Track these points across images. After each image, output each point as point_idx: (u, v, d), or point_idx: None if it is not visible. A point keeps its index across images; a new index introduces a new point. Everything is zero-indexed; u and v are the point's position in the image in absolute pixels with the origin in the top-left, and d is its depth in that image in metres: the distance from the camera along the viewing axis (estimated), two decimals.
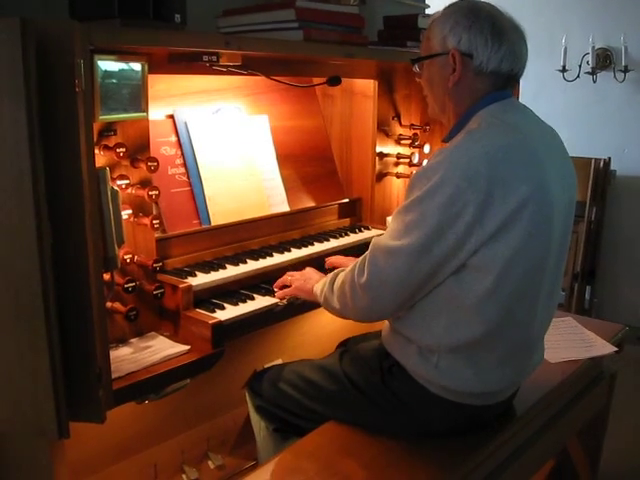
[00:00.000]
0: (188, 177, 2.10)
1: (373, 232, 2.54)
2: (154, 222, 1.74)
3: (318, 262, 2.19)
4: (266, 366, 2.12)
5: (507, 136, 1.55)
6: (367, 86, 2.58)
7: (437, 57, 1.67)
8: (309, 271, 2.02)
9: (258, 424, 2.01)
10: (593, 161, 4.44)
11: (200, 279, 1.91)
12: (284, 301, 1.97)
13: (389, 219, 1.78)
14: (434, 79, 1.71)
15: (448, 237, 1.49)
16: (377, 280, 1.60)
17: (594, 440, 2.47)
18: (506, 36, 1.60)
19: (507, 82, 1.65)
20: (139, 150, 1.75)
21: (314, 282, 1.91)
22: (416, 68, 1.77)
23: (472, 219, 1.47)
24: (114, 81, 1.61)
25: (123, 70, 1.63)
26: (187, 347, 1.77)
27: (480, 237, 1.49)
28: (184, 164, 2.10)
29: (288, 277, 2.02)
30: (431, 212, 1.49)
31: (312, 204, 2.49)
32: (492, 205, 1.47)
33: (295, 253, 2.21)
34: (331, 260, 2.20)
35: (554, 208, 1.58)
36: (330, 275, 1.84)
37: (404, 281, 1.56)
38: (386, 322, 1.80)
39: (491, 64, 1.60)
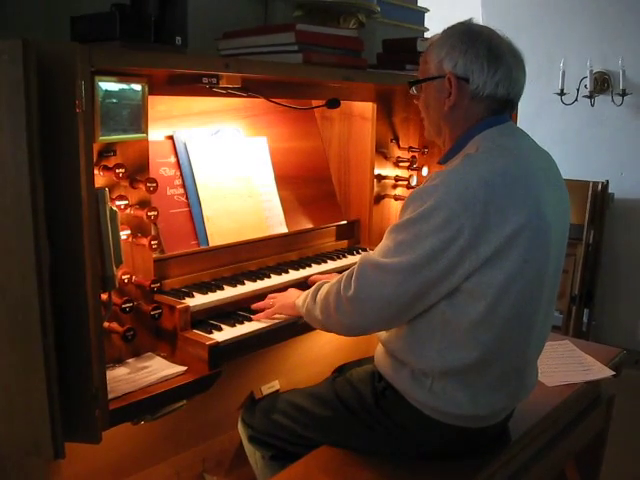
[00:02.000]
0: (187, 198, 2.11)
1: None
2: (152, 242, 1.74)
3: None
4: (262, 388, 2.11)
5: (505, 161, 1.55)
6: (366, 109, 2.60)
7: (433, 80, 1.68)
8: (290, 290, 2.02)
9: (253, 455, 1.99)
10: (591, 184, 4.45)
11: (198, 300, 1.90)
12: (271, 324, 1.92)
13: None
14: (430, 102, 1.72)
15: (440, 260, 1.49)
16: (364, 294, 1.59)
17: (592, 464, 2.46)
18: (503, 61, 1.60)
19: (504, 106, 1.66)
20: (138, 171, 1.75)
21: (295, 297, 1.91)
22: (413, 90, 1.78)
23: (466, 244, 1.47)
24: (114, 102, 1.62)
25: (123, 91, 1.64)
26: (184, 368, 1.76)
27: (474, 262, 1.49)
28: (183, 185, 2.10)
29: (270, 300, 1.99)
30: (425, 234, 1.49)
31: (310, 225, 2.49)
32: (487, 230, 1.47)
33: (293, 274, 2.20)
34: (313, 278, 2.16)
35: (550, 234, 1.58)
36: (313, 287, 1.83)
37: (391, 298, 1.56)
38: (379, 345, 1.79)
39: (487, 88, 1.61)
